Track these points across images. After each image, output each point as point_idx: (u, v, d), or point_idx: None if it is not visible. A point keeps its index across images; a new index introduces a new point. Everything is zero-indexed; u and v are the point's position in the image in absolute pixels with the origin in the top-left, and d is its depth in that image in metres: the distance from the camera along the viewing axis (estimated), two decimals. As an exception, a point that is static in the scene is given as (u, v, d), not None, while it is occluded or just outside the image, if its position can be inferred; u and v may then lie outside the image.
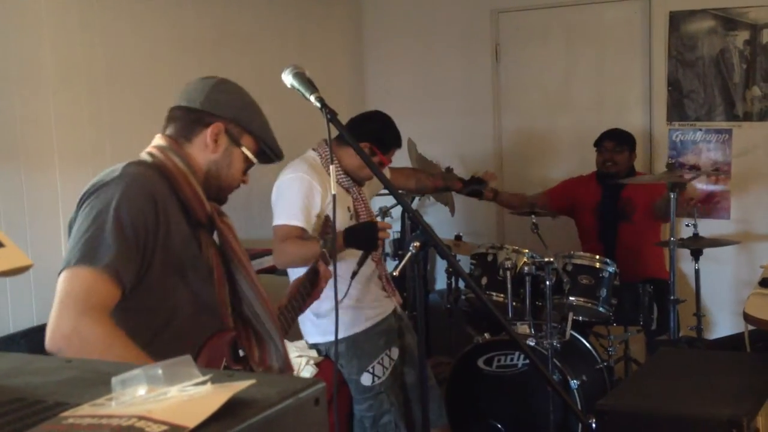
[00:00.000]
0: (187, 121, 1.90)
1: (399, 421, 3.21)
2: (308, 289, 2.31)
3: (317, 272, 2.34)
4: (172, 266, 1.78)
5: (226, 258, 1.91)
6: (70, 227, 1.76)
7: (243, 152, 1.92)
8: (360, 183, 3.23)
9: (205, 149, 1.89)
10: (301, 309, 2.31)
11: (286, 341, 3.91)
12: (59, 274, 1.66)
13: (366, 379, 3.19)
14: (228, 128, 1.90)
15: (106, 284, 1.65)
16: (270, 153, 1.99)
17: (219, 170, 1.91)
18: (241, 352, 1.92)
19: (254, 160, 1.96)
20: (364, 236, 2.86)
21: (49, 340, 1.61)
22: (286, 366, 1.98)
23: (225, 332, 1.92)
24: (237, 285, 1.92)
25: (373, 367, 3.18)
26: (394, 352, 3.22)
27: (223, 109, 1.90)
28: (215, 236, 1.93)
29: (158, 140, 1.91)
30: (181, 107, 1.92)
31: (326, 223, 2.53)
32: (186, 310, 1.82)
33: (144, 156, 1.88)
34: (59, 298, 1.63)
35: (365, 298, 3.18)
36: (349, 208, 3.15)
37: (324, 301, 2.48)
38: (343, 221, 3.04)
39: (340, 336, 2.73)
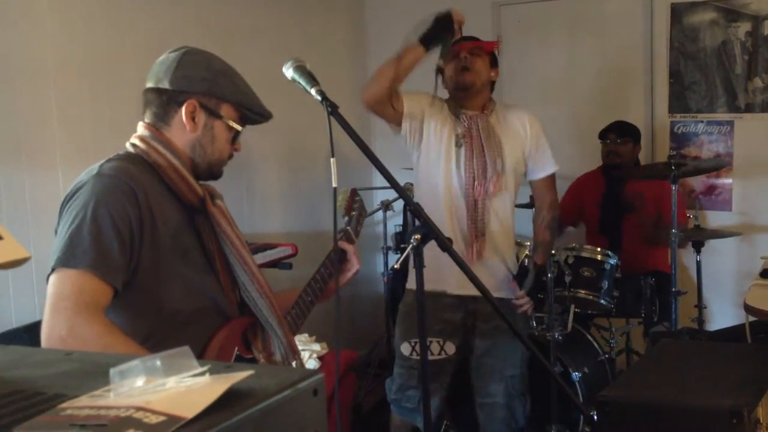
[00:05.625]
0: (160, 104, 1.82)
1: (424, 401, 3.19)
2: (329, 270, 2.14)
3: (343, 251, 2.16)
4: (162, 260, 1.73)
5: (220, 242, 1.84)
6: (56, 234, 1.71)
7: (225, 123, 1.84)
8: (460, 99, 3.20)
9: (184, 130, 1.81)
10: (323, 293, 2.13)
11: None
12: (47, 278, 1.64)
13: (405, 349, 3.16)
14: (203, 102, 1.81)
15: (94, 283, 1.61)
16: (253, 115, 1.88)
17: (204, 147, 1.83)
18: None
19: (238, 127, 1.86)
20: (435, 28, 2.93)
21: (46, 343, 1.57)
22: (292, 352, 1.90)
23: (241, 319, 1.87)
24: (233, 269, 1.85)
25: (415, 342, 3.06)
26: (449, 347, 3.12)
27: (193, 83, 1.80)
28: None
29: (140, 129, 1.85)
30: (152, 89, 1.84)
31: (352, 198, 2.35)
32: (183, 303, 1.77)
33: (127, 147, 1.84)
34: (51, 302, 1.60)
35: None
36: (458, 136, 3.12)
37: None
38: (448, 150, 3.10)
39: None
